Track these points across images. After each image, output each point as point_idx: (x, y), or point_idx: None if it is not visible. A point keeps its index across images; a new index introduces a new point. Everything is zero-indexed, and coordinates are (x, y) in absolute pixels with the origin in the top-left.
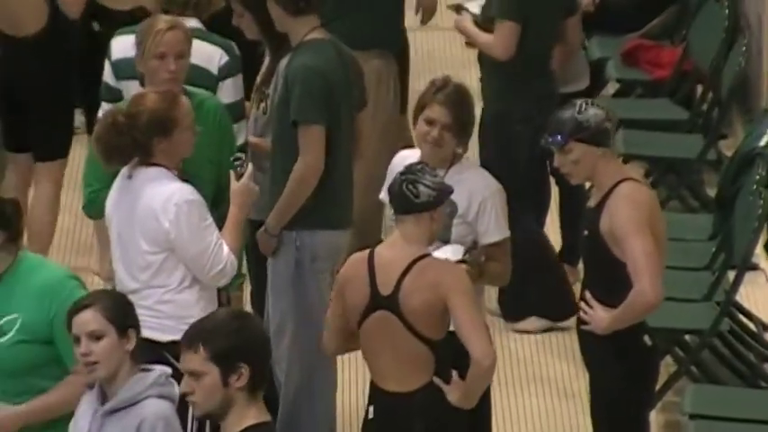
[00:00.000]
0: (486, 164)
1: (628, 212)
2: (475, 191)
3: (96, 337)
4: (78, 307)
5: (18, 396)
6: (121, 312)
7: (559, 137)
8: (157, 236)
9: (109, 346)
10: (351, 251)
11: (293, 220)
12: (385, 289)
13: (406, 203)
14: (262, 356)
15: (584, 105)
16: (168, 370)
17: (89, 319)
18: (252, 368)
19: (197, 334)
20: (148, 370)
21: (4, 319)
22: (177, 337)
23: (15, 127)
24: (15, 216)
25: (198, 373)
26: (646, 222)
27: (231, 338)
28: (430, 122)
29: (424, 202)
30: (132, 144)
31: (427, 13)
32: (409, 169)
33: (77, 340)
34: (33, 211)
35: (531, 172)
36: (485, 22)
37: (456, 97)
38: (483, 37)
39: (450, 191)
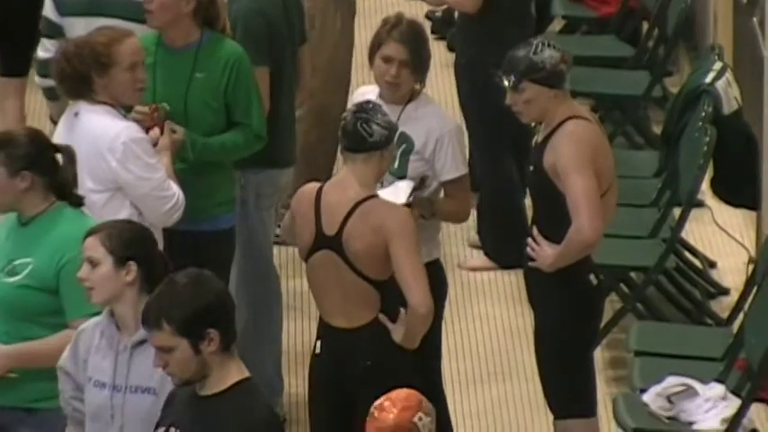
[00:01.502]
0: (464, 107)
1: (569, 149)
2: (432, 128)
3: (93, 263)
4: (89, 232)
5: (15, 340)
6: (123, 244)
7: (513, 76)
8: (103, 173)
9: (104, 273)
10: (300, 185)
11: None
12: (329, 229)
13: (359, 142)
14: (225, 314)
15: (539, 46)
16: None
17: (89, 245)
18: (219, 330)
19: (157, 310)
20: None
21: (19, 261)
22: None
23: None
24: (58, 164)
25: (168, 348)
26: (587, 159)
27: (192, 306)
28: (387, 60)
29: (376, 141)
30: (74, 75)
31: None
32: (362, 108)
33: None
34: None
35: (510, 116)
36: None
37: (411, 34)
38: None
39: (397, 129)
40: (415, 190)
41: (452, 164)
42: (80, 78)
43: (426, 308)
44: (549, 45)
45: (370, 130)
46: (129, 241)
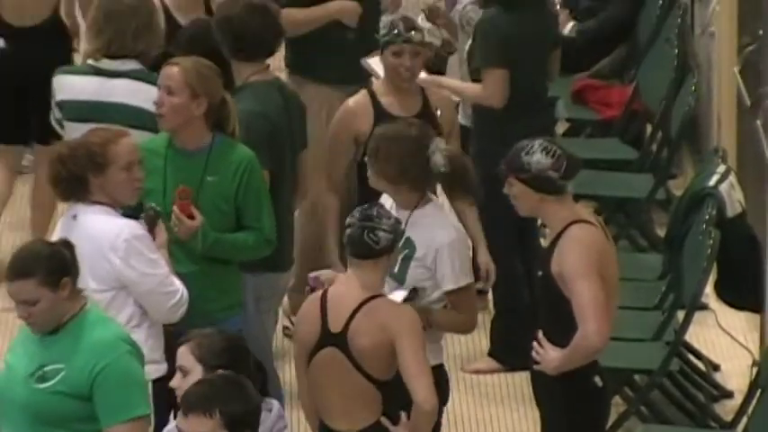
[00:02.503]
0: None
1: (575, 255)
2: (433, 238)
3: (184, 372)
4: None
5: None
6: (213, 353)
7: (504, 167)
8: (107, 273)
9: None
10: (300, 277)
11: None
12: (335, 326)
13: (367, 251)
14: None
15: (534, 146)
16: None
17: (180, 354)
18: None
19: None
20: None
21: (50, 367)
22: None
23: (11, 118)
24: (75, 258)
25: None
26: (593, 265)
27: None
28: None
29: (383, 248)
30: (70, 178)
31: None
32: (367, 216)
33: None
34: (37, 192)
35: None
36: (471, 73)
37: None
38: (471, 89)
39: (402, 232)
40: (407, 300)
41: (452, 275)
42: (76, 180)
43: (431, 405)
44: (544, 149)
45: (377, 238)
46: (220, 351)
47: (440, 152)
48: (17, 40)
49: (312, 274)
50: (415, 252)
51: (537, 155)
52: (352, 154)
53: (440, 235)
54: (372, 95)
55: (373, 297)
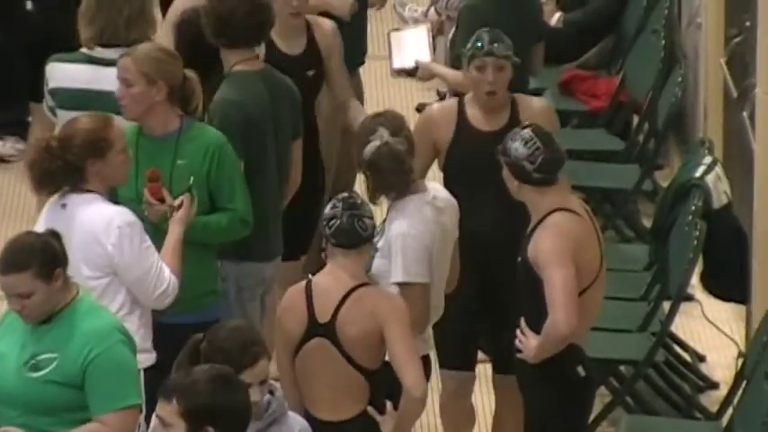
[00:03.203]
0: None
1: (549, 242)
2: (390, 228)
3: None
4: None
5: None
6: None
7: (499, 148)
8: (100, 260)
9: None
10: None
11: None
12: (322, 316)
13: (356, 239)
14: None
15: (517, 135)
16: None
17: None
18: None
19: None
20: None
21: (44, 356)
22: None
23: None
24: (63, 248)
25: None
26: (567, 253)
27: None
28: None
29: (369, 234)
30: (65, 168)
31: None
32: (352, 205)
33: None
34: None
35: None
36: (453, 60)
37: None
38: (452, 75)
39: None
40: None
41: (398, 267)
42: (72, 169)
43: (421, 391)
44: (524, 140)
45: (365, 225)
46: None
47: (380, 141)
48: (44, 3)
49: None
50: (379, 242)
51: (517, 143)
52: (430, 160)
53: (395, 226)
54: (460, 104)
55: (360, 285)
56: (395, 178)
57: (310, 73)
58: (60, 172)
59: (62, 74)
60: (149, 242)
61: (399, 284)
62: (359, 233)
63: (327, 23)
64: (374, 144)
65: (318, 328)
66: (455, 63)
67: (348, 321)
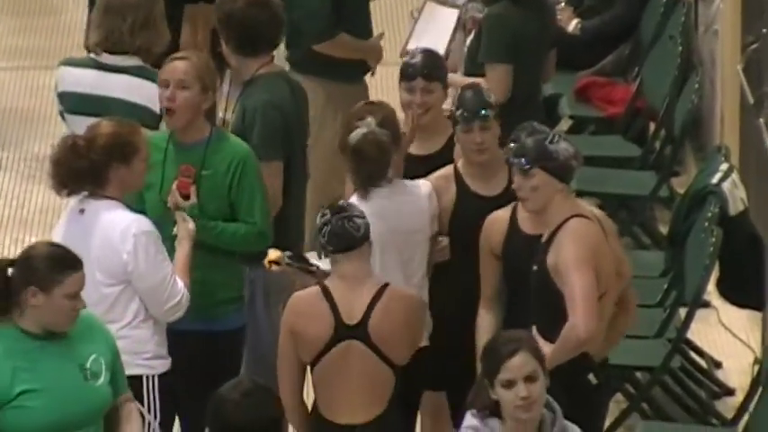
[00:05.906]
0: None
1: (572, 247)
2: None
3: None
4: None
5: None
6: None
7: (524, 160)
8: (115, 267)
9: None
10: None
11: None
12: (350, 319)
13: (351, 240)
14: None
15: (556, 137)
16: None
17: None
18: None
19: None
20: None
21: (90, 361)
22: (133, 372)
23: None
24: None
25: None
26: (589, 259)
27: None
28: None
29: (363, 234)
30: (89, 168)
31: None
32: (339, 208)
33: None
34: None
35: None
36: (472, 68)
37: None
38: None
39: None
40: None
41: None
42: (95, 170)
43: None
44: (564, 139)
45: (356, 225)
46: None
47: (366, 129)
48: None
49: None
50: None
51: (562, 143)
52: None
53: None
54: (456, 171)
55: (386, 285)
56: (375, 167)
57: None
58: (84, 172)
59: (70, 78)
60: (165, 253)
61: None
62: (352, 234)
63: None
64: (360, 131)
65: (348, 331)
66: (473, 71)
67: (381, 319)
